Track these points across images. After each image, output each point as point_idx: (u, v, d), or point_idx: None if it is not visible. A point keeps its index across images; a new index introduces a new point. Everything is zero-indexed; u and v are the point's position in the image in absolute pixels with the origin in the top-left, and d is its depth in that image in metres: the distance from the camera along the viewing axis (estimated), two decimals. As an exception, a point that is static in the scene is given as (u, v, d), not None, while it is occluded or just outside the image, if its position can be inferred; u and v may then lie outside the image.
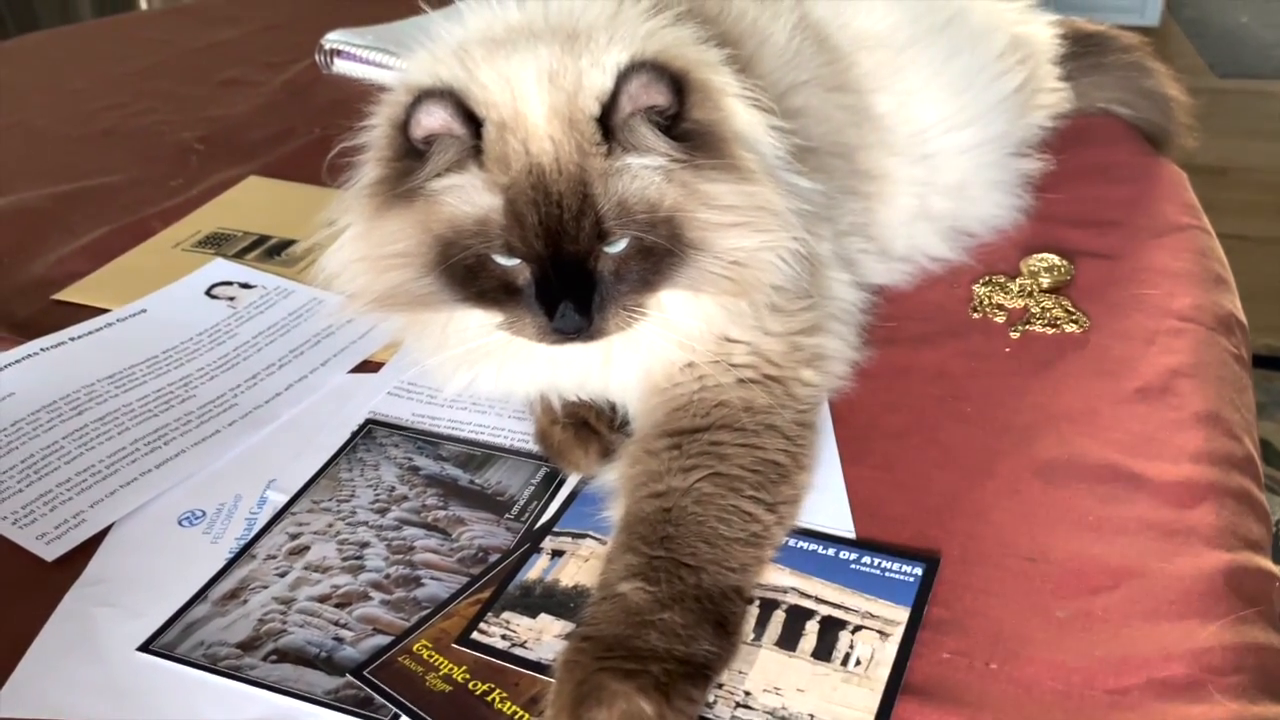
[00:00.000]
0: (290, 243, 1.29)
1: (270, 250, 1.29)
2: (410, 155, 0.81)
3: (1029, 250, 1.17)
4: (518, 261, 0.81)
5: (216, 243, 1.31)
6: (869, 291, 1.07)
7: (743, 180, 0.82)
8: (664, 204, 0.80)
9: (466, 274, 0.82)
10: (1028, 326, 1.07)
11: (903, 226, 1.13)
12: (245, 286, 1.21)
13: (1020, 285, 1.12)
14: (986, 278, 1.14)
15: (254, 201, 1.41)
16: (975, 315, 1.10)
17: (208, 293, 1.20)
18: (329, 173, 0.89)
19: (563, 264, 0.79)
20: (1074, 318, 1.07)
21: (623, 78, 0.78)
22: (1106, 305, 1.09)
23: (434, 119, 0.79)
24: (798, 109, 1.03)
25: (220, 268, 1.24)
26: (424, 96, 0.79)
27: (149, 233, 1.34)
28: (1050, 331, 1.06)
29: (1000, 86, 1.20)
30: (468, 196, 0.80)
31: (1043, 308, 1.09)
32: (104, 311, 1.17)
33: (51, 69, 1.98)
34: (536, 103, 0.80)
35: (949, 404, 0.98)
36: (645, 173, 0.80)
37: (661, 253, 0.80)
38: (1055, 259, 1.15)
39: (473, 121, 0.79)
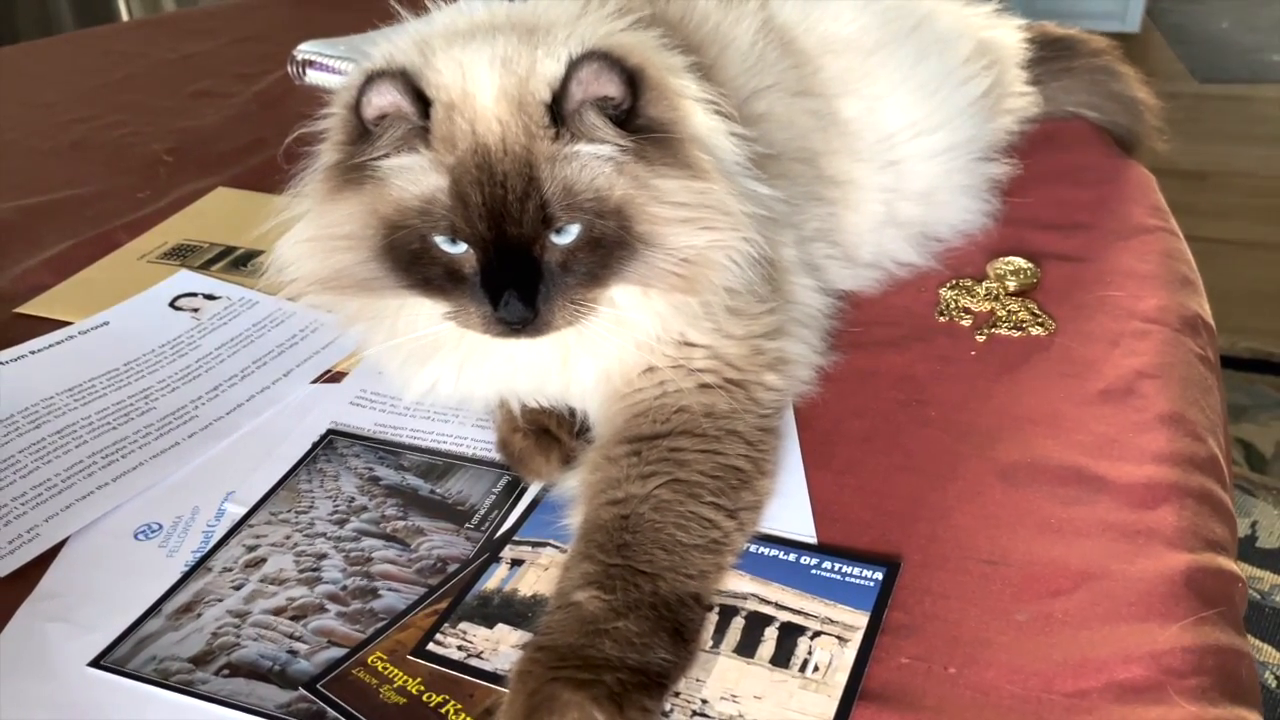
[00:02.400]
0: (257, 254, 1.28)
1: (236, 261, 1.28)
2: (363, 138, 0.82)
3: (996, 254, 1.17)
4: (464, 249, 0.81)
5: (182, 254, 1.30)
6: (835, 297, 1.07)
7: (695, 178, 0.82)
8: (613, 194, 0.80)
9: (412, 259, 0.82)
10: (993, 330, 1.07)
11: (870, 233, 1.13)
12: (210, 298, 1.20)
13: (987, 289, 1.12)
14: (953, 282, 1.14)
15: (221, 212, 1.40)
16: (941, 319, 1.10)
17: (172, 304, 1.19)
18: (285, 159, 0.89)
19: (507, 250, 0.79)
20: (1039, 320, 1.07)
21: (574, 65, 0.79)
22: (1072, 307, 1.09)
23: (384, 98, 0.79)
24: (761, 114, 1.03)
25: (184, 279, 1.23)
26: (375, 76, 0.79)
27: (115, 245, 1.33)
28: (1016, 334, 1.06)
29: (967, 91, 1.20)
30: (414, 177, 0.81)
31: (1008, 311, 1.08)
32: (67, 324, 1.16)
33: (24, 82, 1.98)
34: (486, 84, 0.80)
35: (913, 408, 0.98)
36: (595, 161, 0.80)
37: (610, 245, 0.80)
38: (1021, 262, 1.15)
39: (423, 102, 0.80)
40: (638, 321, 0.86)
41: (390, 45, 0.87)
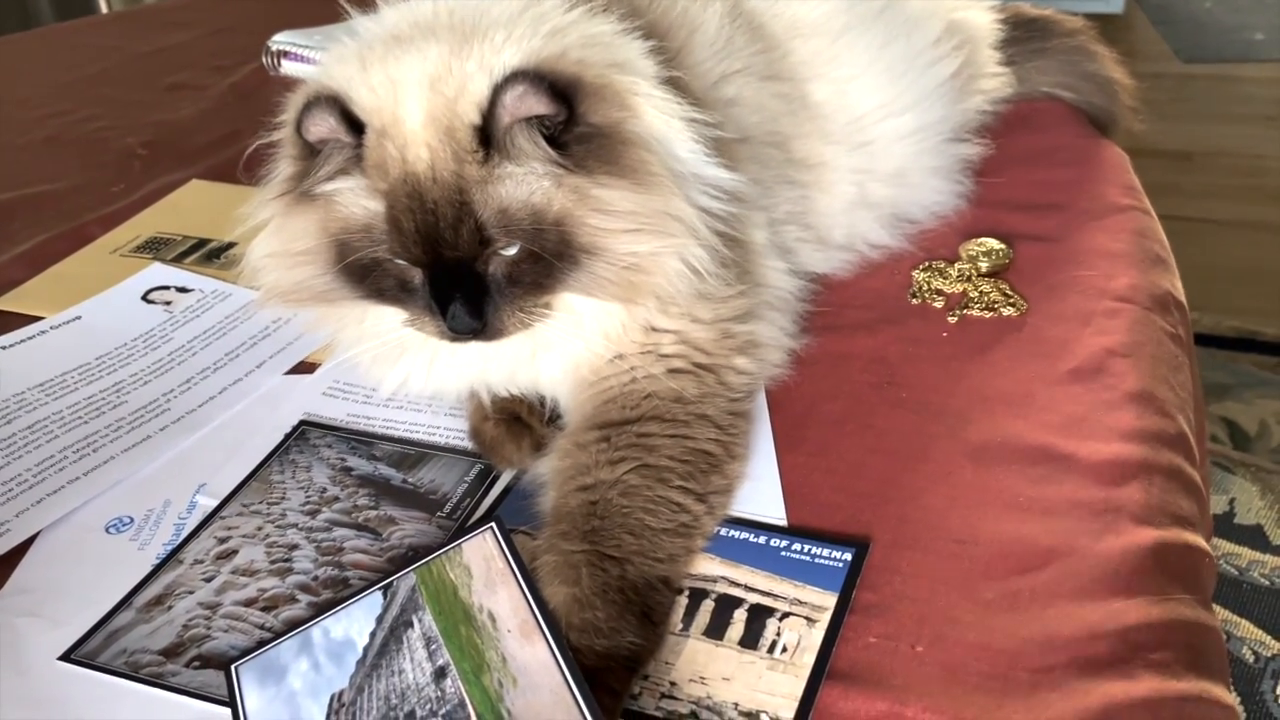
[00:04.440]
0: (230, 246, 1.28)
1: (210, 254, 1.28)
2: (312, 154, 0.82)
3: (969, 235, 1.17)
4: (408, 264, 0.81)
5: (155, 247, 1.29)
6: (807, 280, 1.07)
7: (640, 186, 0.81)
8: (551, 210, 0.79)
9: (365, 273, 0.82)
10: (965, 311, 1.07)
11: (842, 215, 1.13)
12: (182, 290, 1.20)
13: (959, 270, 1.12)
14: (926, 263, 1.14)
15: (195, 205, 1.39)
16: (914, 301, 1.10)
17: (144, 298, 1.19)
18: (244, 170, 0.89)
19: (448, 268, 0.79)
20: (1011, 301, 1.07)
21: (499, 88, 0.77)
22: (1044, 288, 1.09)
23: (321, 127, 0.79)
24: (730, 99, 1.02)
25: (157, 272, 1.23)
26: (312, 102, 0.79)
27: (88, 239, 1.32)
28: (988, 315, 1.06)
29: (937, 72, 1.20)
30: (355, 200, 0.81)
31: (981, 292, 1.09)
32: (39, 319, 1.15)
33: (-1, 77, 1.96)
34: (415, 109, 0.79)
35: (885, 390, 0.98)
36: (530, 179, 0.79)
37: (552, 257, 0.80)
38: (994, 243, 1.15)
39: (358, 128, 0.79)
40: (596, 320, 0.86)
41: (340, 50, 0.87)
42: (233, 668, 0.74)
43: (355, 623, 0.75)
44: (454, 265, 0.79)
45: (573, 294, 0.84)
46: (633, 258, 0.82)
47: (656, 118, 0.84)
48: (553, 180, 0.79)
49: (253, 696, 0.72)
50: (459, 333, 0.81)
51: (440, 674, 0.69)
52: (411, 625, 0.73)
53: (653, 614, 0.74)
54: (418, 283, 0.81)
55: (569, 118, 0.79)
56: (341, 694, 0.71)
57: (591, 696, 0.65)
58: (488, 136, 0.78)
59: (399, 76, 0.80)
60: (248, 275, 0.90)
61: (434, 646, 0.71)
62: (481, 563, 0.75)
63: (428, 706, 0.68)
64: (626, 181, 0.81)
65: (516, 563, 0.74)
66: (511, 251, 0.80)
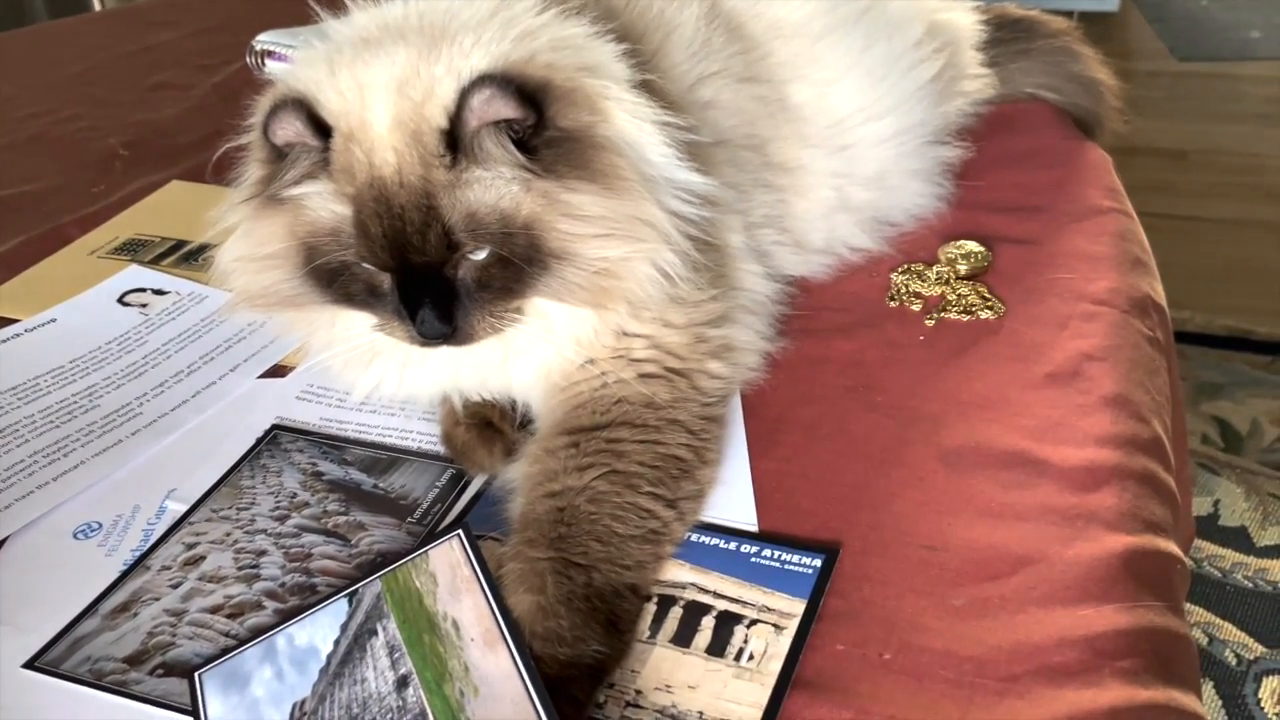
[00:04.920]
0: (207, 247, 1.27)
1: (187, 255, 1.27)
2: (279, 158, 0.81)
3: (949, 238, 1.17)
4: (376, 269, 0.80)
5: (133, 249, 1.29)
6: (784, 283, 1.07)
7: (610, 190, 0.80)
8: (520, 215, 0.78)
9: (332, 277, 0.82)
10: (943, 314, 1.06)
11: (821, 219, 1.12)
12: (159, 293, 1.19)
13: (938, 273, 1.12)
14: (905, 266, 1.14)
15: (175, 206, 1.39)
16: (892, 304, 1.09)
17: (120, 300, 1.18)
18: (214, 172, 0.89)
19: (416, 273, 0.79)
20: (989, 304, 1.07)
21: (465, 92, 0.76)
22: (1023, 291, 1.09)
23: (288, 130, 0.79)
24: (708, 101, 1.02)
25: (134, 275, 1.22)
26: (279, 106, 0.78)
27: (66, 240, 1.32)
28: (965, 319, 1.06)
29: (918, 75, 1.20)
30: (322, 204, 0.81)
31: (959, 295, 1.08)
32: (13, 322, 1.15)
33: (-17, 77, 1.95)
34: (382, 113, 0.79)
35: (861, 394, 0.97)
36: (498, 184, 0.78)
37: (521, 262, 0.79)
38: (973, 246, 1.14)
39: (324, 131, 0.79)
40: (567, 325, 0.85)
41: (311, 52, 0.86)
42: (196, 675, 0.74)
43: (320, 630, 0.75)
44: (422, 270, 0.79)
45: (543, 299, 0.83)
46: (603, 263, 0.81)
47: (627, 121, 0.83)
48: (521, 185, 0.78)
49: (215, 704, 0.72)
50: (428, 338, 0.80)
51: (402, 683, 0.69)
52: (375, 634, 0.73)
53: (619, 622, 0.73)
54: (386, 288, 0.81)
55: (538, 122, 0.78)
56: (304, 702, 0.70)
57: (552, 707, 0.65)
58: (455, 141, 0.78)
59: (366, 80, 0.80)
60: (218, 279, 0.90)
61: (397, 655, 0.71)
62: (447, 570, 0.75)
63: (389, 716, 0.67)
64: (596, 186, 0.80)
65: (482, 570, 0.74)
66: (480, 256, 0.79)
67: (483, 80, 0.76)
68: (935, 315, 1.06)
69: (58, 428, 0.98)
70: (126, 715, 0.73)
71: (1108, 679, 0.70)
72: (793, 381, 0.99)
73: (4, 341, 1.11)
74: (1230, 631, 1.56)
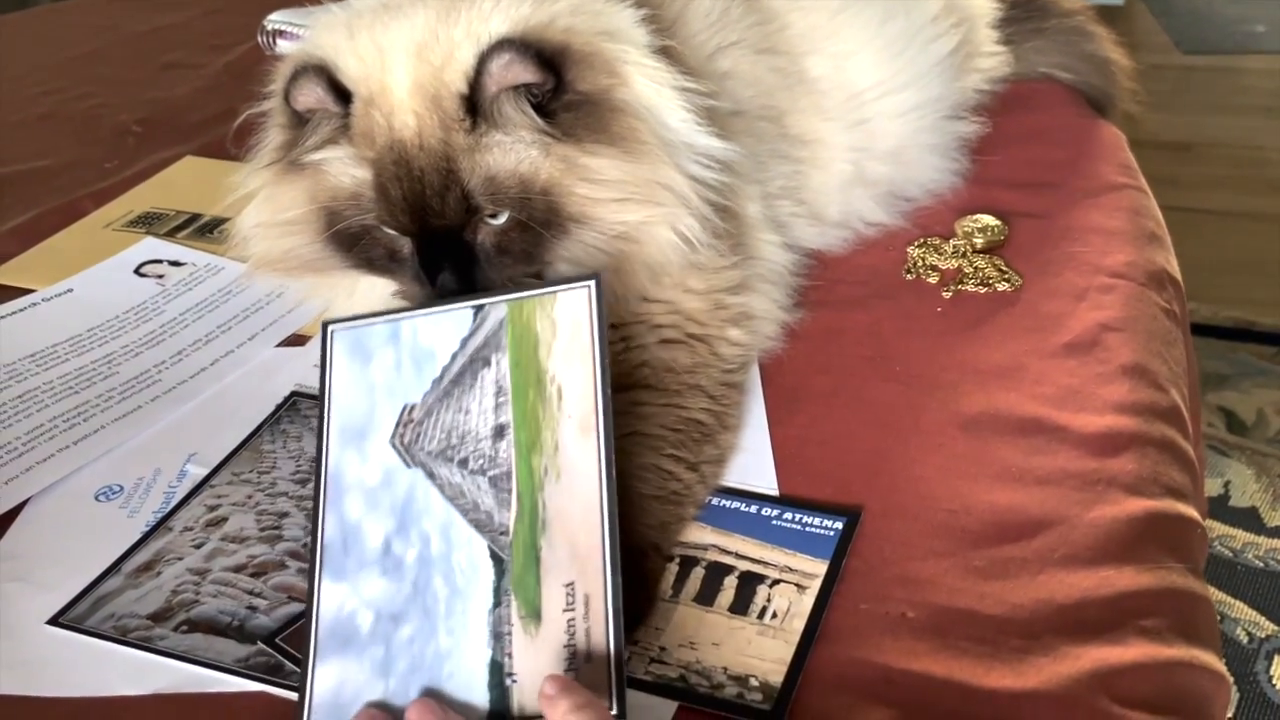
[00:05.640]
0: (223, 221, 1.27)
1: (202, 228, 1.27)
2: (300, 124, 0.81)
3: (965, 212, 1.17)
4: (396, 233, 0.80)
5: (148, 222, 1.29)
6: (801, 255, 1.07)
7: (629, 154, 0.80)
8: (539, 179, 0.78)
9: (352, 241, 0.82)
10: (960, 286, 1.07)
11: (838, 192, 1.12)
12: (175, 264, 1.19)
13: (954, 246, 1.12)
14: (921, 240, 1.14)
15: (189, 181, 1.39)
16: (909, 277, 1.09)
17: (136, 271, 1.18)
18: (234, 141, 0.89)
19: (436, 237, 0.79)
20: (1006, 277, 1.07)
21: (484, 57, 0.77)
22: (1039, 264, 1.09)
23: (309, 96, 0.79)
24: (725, 72, 1.02)
25: (149, 246, 1.23)
26: (298, 72, 0.79)
27: (81, 214, 1.32)
28: (982, 291, 1.06)
29: (935, 49, 1.20)
30: (343, 169, 0.81)
31: (975, 268, 1.08)
32: (30, 292, 1.15)
33: (-7, 56, 1.96)
34: (402, 76, 0.79)
35: (878, 364, 0.97)
36: (518, 148, 0.78)
37: (540, 226, 0.79)
38: (989, 220, 1.14)
39: (345, 97, 0.79)
40: None
41: (330, 18, 0.87)
42: (329, 328, 0.76)
43: (442, 335, 0.74)
44: (442, 234, 0.79)
45: (564, 265, 0.83)
46: (622, 227, 0.81)
47: (646, 86, 0.83)
48: (540, 149, 0.78)
49: (341, 365, 0.75)
50: None
51: (499, 432, 0.69)
52: (489, 364, 0.72)
53: (643, 580, 0.74)
54: (406, 252, 0.81)
55: (557, 86, 0.78)
56: (413, 409, 0.72)
57: (617, 535, 0.64)
58: (474, 105, 0.78)
59: (386, 44, 0.80)
60: (238, 245, 0.90)
61: (501, 400, 0.70)
62: (569, 323, 0.72)
63: (480, 461, 0.68)
64: (615, 150, 0.80)
65: (600, 341, 0.70)
66: (499, 221, 0.79)
67: (502, 44, 0.76)
68: (952, 288, 1.06)
69: (77, 393, 0.99)
70: (151, 670, 0.73)
71: (1131, 636, 0.70)
72: (810, 352, 0.99)
73: (21, 310, 1.11)
74: (1242, 610, 1.56)
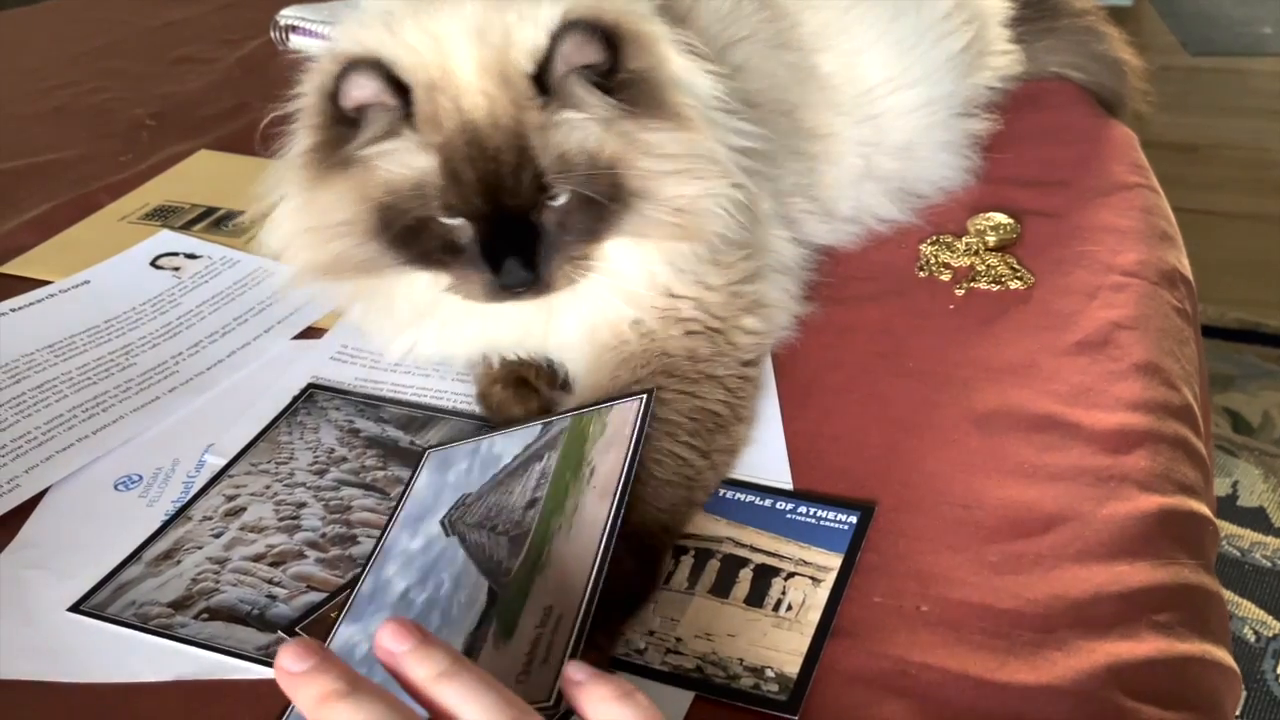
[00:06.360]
0: (238, 214, 1.28)
1: (218, 221, 1.28)
2: (342, 122, 0.81)
3: (977, 210, 1.17)
4: (461, 221, 0.80)
5: (164, 215, 1.29)
6: (813, 251, 1.07)
7: (681, 128, 0.83)
8: (604, 154, 0.80)
9: (409, 236, 0.81)
10: (972, 284, 1.07)
11: (849, 187, 1.12)
12: (191, 257, 1.20)
13: (967, 244, 1.12)
14: (934, 237, 1.14)
15: (203, 174, 1.39)
16: (921, 274, 1.10)
17: (152, 264, 1.19)
18: (261, 143, 0.89)
19: (505, 220, 0.80)
20: (1018, 275, 1.07)
21: (556, 37, 0.78)
22: (1051, 262, 1.09)
23: (364, 90, 0.78)
24: (738, 66, 1.02)
25: (166, 239, 1.23)
26: (351, 67, 0.78)
27: (96, 206, 1.32)
28: (995, 288, 1.06)
29: (946, 46, 1.20)
30: (402, 160, 0.80)
31: (988, 265, 1.09)
32: (46, 283, 1.15)
33: (8, 48, 1.96)
34: (466, 59, 0.79)
35: (891, 360, 0.98)
36: (586, 124, 0.80)
37: (604, 201, 0.81)
38: (1002, 218, 1.15)
39: (402, 88, 0.79)
40: (631, 276, 0.87)
41: (355, 22, 0.86)
42: (427, 452, 0.87)
43: (511, 444, 0.82)
44: (510, 217, 0.80)
45: (624, 239, 0.85)
46: (681, 199, 0.83)
47: (683, 62, 0.85)
48: (604, 125, 0.80)
49: (425, 475, 0.84)
50: (511, 287, 0.81)
51: (531, 504, 0.76)
52: (540, 459, 0.79)
53: (650, 557, 0.75)
54: (464, 241, 0.81)
55: (613, 64, 0.80)
56: (468, 496, 0.79)
57: (603, 570, 0.67)
58: (543, 84, 0.79)
59: (440, 31, 0.80)
60: (271, 255, 0.89)
61: (542, 482, 0.77)
62: (619, 423, 0.77)
63: (508, 527, 0.75)
64: (670, 124, 0.82)
65: (638, 434, 0.75)
66: (562, 200, 0.80)
67: (572, 25, 0.78)
68: (964, 285, 1.07)
69: (95, 384, 0.99)
70: (171, 656, 0.74)
71: (1144, 631, 0.70)
72: (822, 348, 0.99)
73: (38, 302, 1.12)
74: (1249, 609, 1.57)
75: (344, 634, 0.73)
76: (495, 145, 0.78)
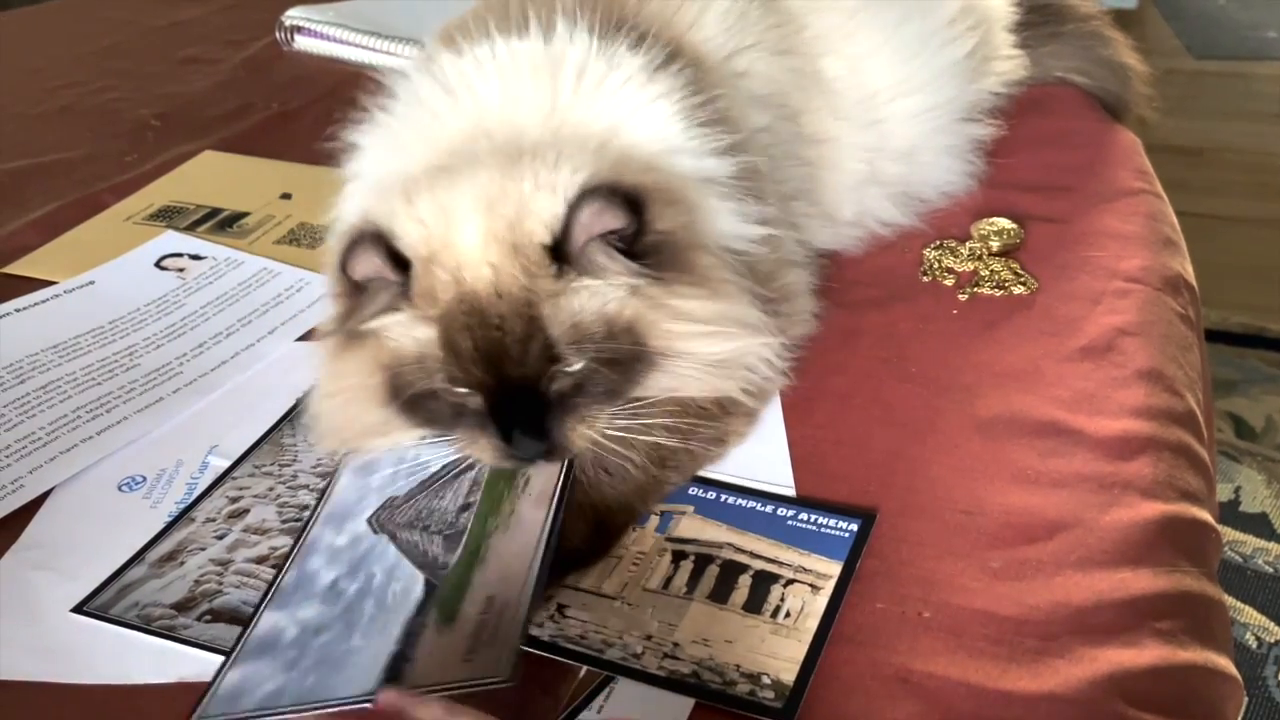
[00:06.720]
0: (243, 215, 1.28)
1: (222, 223, 1.28)
2: (358, 291, 0.80)
3: (980, 215, 1.17)
4: (467, 390, 0.78)
5: (168, 216, 1.30)
6: (816, 255, 1.07)
7: (713, 295, 0.81)
8: (623, 317, 0.78)
9: (418, 402, 0.80)
10: (976, 289, 1.07)
11: (851, 191, 1.13)
12: (195, 258, 1.20)
13: (970, 249, 1.12)
14: (937, 242, 1.14)
15: (208, 175, 1.40)
16: (925, 279, 1.10)
17: (157, 264, 1.19)
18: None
19: (511, 388, 0.77)
20: (1022, 280, 1.07)
21: (574, 207, 0.76)
22: (1055, 267, 1.09)
23: (366, 266, 0.78)
24: (742, 72, 1.03)
25: (170, 240, 1.24)
26: (356, 241, 0.78)
27: (101, 206, 1.33)
28: (998, 294, 1.06)
29: (951, 52, 1.20)
30: (403, 332, 0.79)
31: (991, 270, 1.09)
32: (51, 284, 1.16)
33: (14, 48, 1.97)
34: (472, 230, 0.77)
35: (894, 365, 0.98)
36: (604, 290, 0.77)
37: (626, 362, 0.78)
38: (1006, 223, 1.15)
39: (402, 263, 0.78)
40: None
41: (377, 191, 0.87)
42: (344, 455, 0.87)
43: (439, 453, 0.83)
44: (516, 385, 0.77)
45: (656, 393, 0.82)
46: (716, 356, 0.82)
47: (716, 214, 0.86)
48: (627, 290, 0.78)
49: (345, 479, 0.86)
50: (525, 460, 0.79)
51: (464, 509, 0.79)
52: (472, 469, 0.81)
53: (605, 532, 0.79)
54: (473, 407, 0.78)
55: (639, 228, 0.78)
56: (395, 499, 0.82)
57: (546, 567, 0.71)
58: (561, 253, 0.77)
59: (450, 203, 0.79)
60: (314, 424, 0.87)
61: (474, 490, 0.81)
62: None
63: (441, 527, 0.78)
64: (701, 290, 0.81)
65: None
66: (578, 366, 0.77)
67: (592, 193, 0.76)
68: (968, 290, 1.07)
69: (99, 385, 1.00)
70: (174, 658, 0.74)
71: (1147, 639, 0.70)
72: (825, 352, 0.99)
73: (43, 302, 1.12)
74: (1251, 615, 1.57)
75: (269, 620, 0.75)
76: (499, 315, 0.76)
